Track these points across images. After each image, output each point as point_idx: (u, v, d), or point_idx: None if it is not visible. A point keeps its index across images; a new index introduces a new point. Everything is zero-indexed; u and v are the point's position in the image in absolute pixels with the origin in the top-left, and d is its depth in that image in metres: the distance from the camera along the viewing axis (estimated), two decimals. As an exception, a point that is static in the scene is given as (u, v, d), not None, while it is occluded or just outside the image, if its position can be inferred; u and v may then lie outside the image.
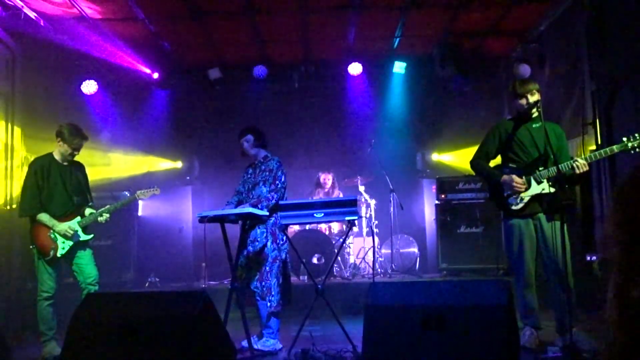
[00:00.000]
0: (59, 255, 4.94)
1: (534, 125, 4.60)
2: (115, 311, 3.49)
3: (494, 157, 4.83)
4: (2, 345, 4.14)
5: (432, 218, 8.24)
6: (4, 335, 4.36)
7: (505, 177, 4.58)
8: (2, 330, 4.44)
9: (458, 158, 9.38)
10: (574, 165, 4.33)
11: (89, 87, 8.38)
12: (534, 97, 4.55)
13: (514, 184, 4.52)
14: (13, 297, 6.18)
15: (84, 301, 3.65)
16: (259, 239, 4.96)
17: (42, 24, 7.11)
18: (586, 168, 4.34)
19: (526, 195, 4.54)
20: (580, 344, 4.20)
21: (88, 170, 5.41)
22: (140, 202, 7.88)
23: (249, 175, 5.24)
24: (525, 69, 7.96)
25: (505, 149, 4.72)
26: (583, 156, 4.39)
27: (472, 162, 4.87)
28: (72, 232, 4.96)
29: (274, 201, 4.93)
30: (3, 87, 6.66)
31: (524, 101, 4.57)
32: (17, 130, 6.83)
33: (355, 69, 8.96)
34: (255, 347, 4.74)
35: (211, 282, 7.66)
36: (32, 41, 7.10)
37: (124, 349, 3.27)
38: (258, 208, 4.80)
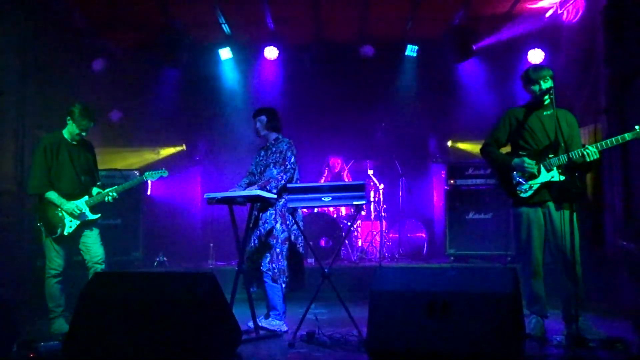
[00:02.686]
0: (65, 233, 4.98)
1: (545, 113, 4.56)
2: (122, 291, 3.52)
3: (505, 145, 4.79)
4: (11, 322, 4.18)
5: (440, 203, 8.22)
6: (13, 312, 4.40)
7: (516, 159, 4.55)
8: (11, 307, 4.48)
9: (469, 143, 9.32)
10: (585, 153, 4.30)
11: (99, 65, 8.37)
12: (546, 84, 4.50)
13: (525, 165, 4.48)
14: (23, 275, 6.24)
15: (91, 280, 3.68)
16: (267, 221, 4.97)
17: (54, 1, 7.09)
18: (597, 156, 4.30)
19: (535, 183, 4.50)
20: (586, 332, 4.19)
21: (97, 150, 5.43)
22: (149, 182, 7.90)
23: (261, 158, 5.24)
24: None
25: (515, 136, 4.67)
26: (594, 144, 4.34)
27: (482, 149, 4.83)
28: (79, 211, 5.00)
29: (282, 182, 4.93)
30: (16, 63, 6.67)
31: (536, 87, 4.53)
32: (29, 108, 6.85)
33: (367, 51, 8.90)
34: (260, 324, 4.78)
35: (219, 263, 7.70)
36: (44, 18, 7.08)
37: (130, 328, 3.30)
38: (267, 189, 4.80)
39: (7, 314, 4.18)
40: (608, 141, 4.33)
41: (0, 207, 6.28)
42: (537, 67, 4.64)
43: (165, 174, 5.48)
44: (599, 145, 4.31)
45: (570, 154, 4.28)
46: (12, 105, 6.58)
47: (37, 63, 7.03)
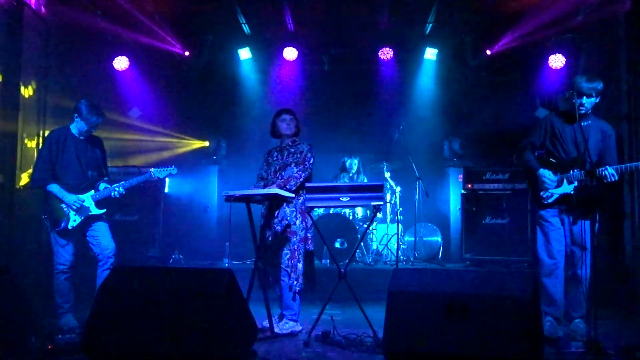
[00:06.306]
0: (69, 227, 4.95)
1: (583, 123, 4.49)
2: (141, 285, 3.54)
3: (539, 149, 4.85)
4: (30, 314, 4.24)
5: (457, 207, 8.18)
6: (32, 304, 4.45)
7: (540, 171, 4.62)
8: (31, 299, 4.53)
9: (486, 148, 9.26)
10: (604, 174, 4.34)
11: (121, 63, 8.44)
12: (589, 100, 4.47)
13: (545, 180, 4.58)
14: (41, 269, 6.30)
15: (111, 274, 3.71)
16: (288, 218, 4.96)
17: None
18: (615, 178, 4.34)
19: (557, 192, 4.58)
20: (577, 334, 4.38)
21: (115, 146, 5.43)
22: (167, 180, 7.93)
23: (274, 159, 5.20)
24: None
25: (548, 142, 4.73)
26: (614, 166, 4.37)
27: (517, 150, 4.88)
28: (79, 204, 4.95)
29: (301, 180, 4.93)
30: (38, 60, 6.75)
31: (577, 100, 4.42)
32: (50, 104, 6.93)
33: (386, 53, 8.91)
34: (275, 330, 4.77)
35: (234, 262, 7.71)
36: (67, 15, 7.16)
37: (148, 322, 3.32)
38: (286, 188, 4.80)
39: (26, 306, 4.24)
40: (628, 166, 4.39)
41: (20, 200, 6.35)
42: (590, 79, 4.47)
43: (174, 172, 5.36)
44: (618, 168, 4.35)
45: (587, 172, 4.40)
46: (33, 103, 6.67)
47: (59, 59, 7.11)
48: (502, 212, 7.40)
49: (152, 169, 5.32)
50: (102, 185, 5.12)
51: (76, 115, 5.01)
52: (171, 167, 5.36)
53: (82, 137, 5.10)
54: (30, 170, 6.37)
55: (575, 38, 7.77)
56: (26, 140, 6.58)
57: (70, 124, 5.10)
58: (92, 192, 5.07)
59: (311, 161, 5.06)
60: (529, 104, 8.68)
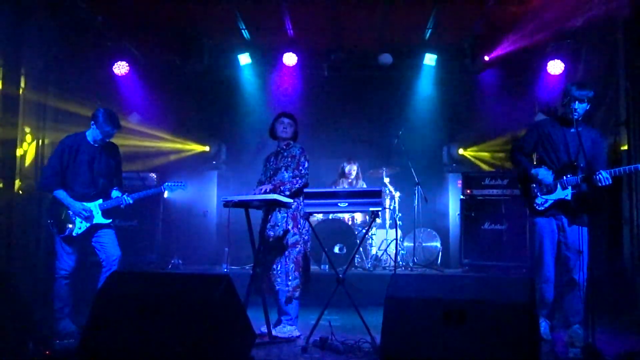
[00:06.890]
0: (74, 234, 4.95)
1: (572, 130, 4.60)
2: (139, 290, 3.54)
3: (529, 155, 4.96)
4: (28, 319, 4.23)
5: (456, 213, 8.18)
6: (31, 309, 4.45)
7: (533, 171, 4.72)
8: (30, 305, 4.52)
9: (484, 153, 9.28)
10: (598, 178, 4.40)
11: (120, 68, 8.45)
12: (581, 105, 4.55)
13: (540, 177, 4.68)
14: (40, 274, 6.30)
15: (109, 279, 3.71)
16: (279, 224, 4.98)
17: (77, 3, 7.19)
18: (609, 182, 4.41)
19: (550, 198, 4.67)
20: (575, 340, 4.43)
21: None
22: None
23: (270, 164, 5.25)
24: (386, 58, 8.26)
25: (539, 148, 4.83)
26: (607, 170, 4.45)
27: (511, 152, 5.02)
28: (86, 213, 4.95)
29: (297, 186, 4.95)
30: (38, 64, 6.76)
31: (571, 105, 4.54)
32: (49, 108, 6.93)
33: (385, 59, 8.91)
34: (272, 334, 4.77)
35: (233, 267, 7.70)
36: (68, 20, 7.17)
37: (146, 327, 3.32)
38: (280, 190, 4.81)
39: (25, 311, 4.24)
40: (622, 169, 4.47)
41: (19, 206, 6.36)
42: (580, 86, 4.62)
43: (184, 188, 5.49)
44: (612, 172, 4.42)
45: (583, 177, 4.48)
46: (33, 105, 6.68)
47: (59, 64, 7.12)
48: (501, 218, 7.40)
49: (164, 184, 5.44)
50: (114, 193, 5.13)
51: (92, 122, 5.01)
52: (181, 183, 5.49)
53: (96, 145, 5.10)
54: (23, 175, 6.41)
55: (574, 44, 7.79)
56: (25, 145, 6.58)
57: (86, 130, 5.11)
58: (101, 200, 5.07)
59: (305, 165, 5.07)
60: (528, 110, 8.69)
